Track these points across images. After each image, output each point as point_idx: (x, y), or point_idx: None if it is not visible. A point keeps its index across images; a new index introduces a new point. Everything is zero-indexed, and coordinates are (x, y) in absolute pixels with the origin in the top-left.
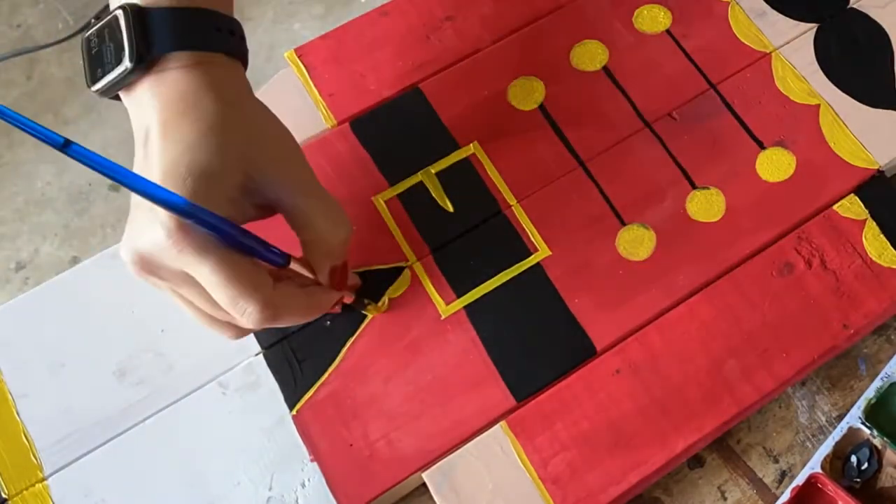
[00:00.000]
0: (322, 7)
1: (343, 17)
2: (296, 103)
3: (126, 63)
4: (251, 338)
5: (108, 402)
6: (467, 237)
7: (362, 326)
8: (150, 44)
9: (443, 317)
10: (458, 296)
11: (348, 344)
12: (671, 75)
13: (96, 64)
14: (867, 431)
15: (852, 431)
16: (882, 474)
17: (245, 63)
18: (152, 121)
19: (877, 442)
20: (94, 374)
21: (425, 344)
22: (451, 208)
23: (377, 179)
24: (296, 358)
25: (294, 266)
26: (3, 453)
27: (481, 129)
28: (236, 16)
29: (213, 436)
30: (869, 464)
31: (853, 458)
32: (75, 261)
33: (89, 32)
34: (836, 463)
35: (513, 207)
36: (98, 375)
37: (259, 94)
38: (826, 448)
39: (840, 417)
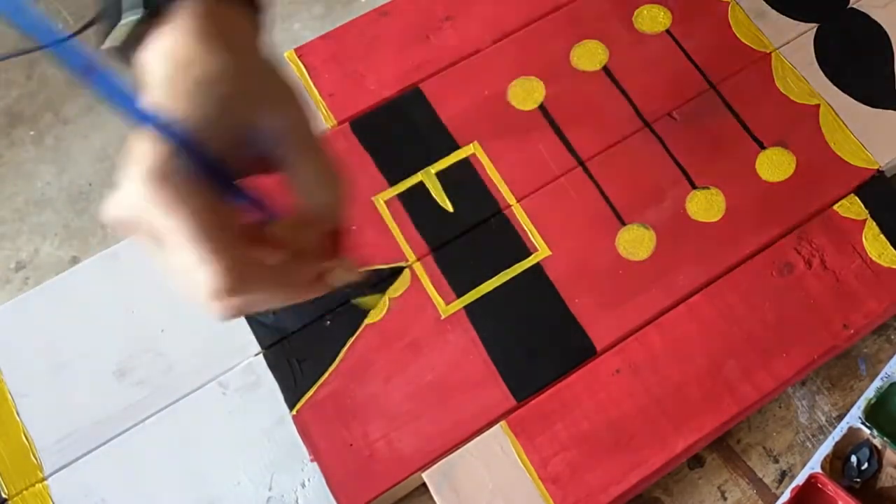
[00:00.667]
0: (322, 7)
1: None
2: None
3: (136, 11)
4: (251, 337)
5: (108, 402)
6: (467, 237)
7: (362, 326)
8: None
9: (443, 317)
10: (458, 296)
11: (348, 344)
12: (671, 75)
13: (107, 20)
14: (867, 431)
15: (852, 431)
16: (882, 474)
17: (259, 8)
18: (156, 71)
19: (877, 442)
20: (94, 374)
21: (425, 344)
22: (451, 208)
23: (377, 179)
24: (296, 358)
25: (280, 225)
26: (3, 453)
27: (481, 129)
28: None
29: (213, 436)
30: (869, 464)
31: (853, 458)
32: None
33: None
34: (836, 463)
35: (513, 207)
36: (98, 375)
37: None
38: (826, 448)
39: (840, 417)
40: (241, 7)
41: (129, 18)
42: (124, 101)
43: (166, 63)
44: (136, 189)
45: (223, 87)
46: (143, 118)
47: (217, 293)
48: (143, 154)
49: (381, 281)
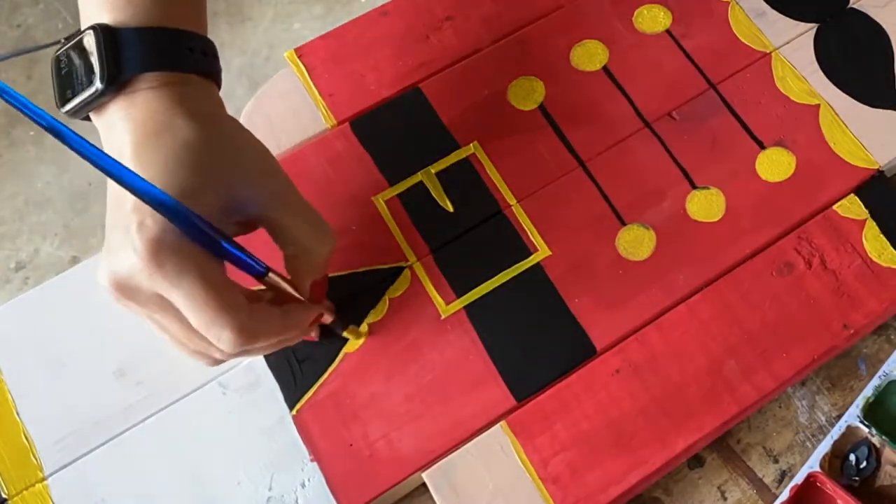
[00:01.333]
0: (322, 7)
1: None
2: (296, 103)
3: (97, 84)
4: None
5: (108, 402)
6: (467, 237)
7: (362, 325)
8: (121, 65)
9: (443, 317)
10: (458, 296)
11: (348, 344)
12: (671, 75)
13: (66, 85)
14: (866, 430)
15: (851, 430)
16: (881, 472)
17: (218, 83)
18: (124, 142)
19: (875, 440)
20: (94, 374)
21: (425, 344)
22: (451, 208)
23: (377, 179)
24: (296, 358)
25: (272, 278)
26: (3, 453)
27: (481, 129)
28: (236, 15)
29: (213, 436)
30: (867, 462)
31: (852, 457)
32: (75, 261)
33: (59, 52)
34: (835, 462)
35: (513, 207)
36: (98, 375)
37: (259, 94)
38: (825, 447)
39: (840, 417)
40: (201, 78)
41: (90, 90)
42: (117, 171)
43: (134, 136)
44: (137, 260)
45: (196, 156)
46: (137, 187)
47: (230, 349)
48: (138, 220)
49: (382, 281)
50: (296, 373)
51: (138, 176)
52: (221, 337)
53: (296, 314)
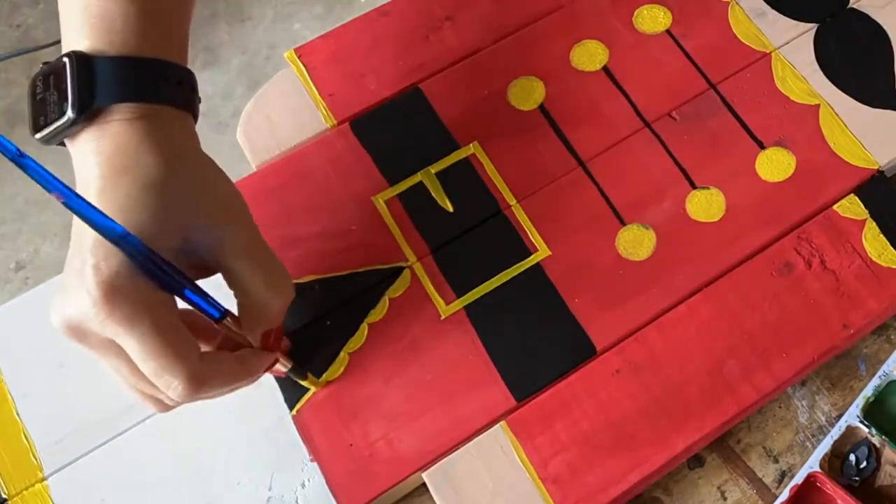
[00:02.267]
0: (322, 7)
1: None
2: (296, 103)
3: (68, 113)
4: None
5: (108, 402)
6: (467, 237)
7: (362, 326)
8: (94, 94)
9: (443, 317)
10: (458, 296)
11: (348, 344)
12: (671, 75)
13: (39, 111)
14: (865, 430)
15: (851, 430)
16: (880, 472)
17: (195, 114)
18: (91, 176)
19: (875, 440)
20: (94, 374)
21: (425, 344)
22: (451, 208)
23: (377, 179)
24: (296, 358)
25: (226, 323)
26: (3, 453)
27: (481, 129)
28: (236, 15)
29: (213, 436)
30: (867, 462)
31: (851, 457)
32: None
33: (35, 76)
34: (835, 461)
35: (512, 207)
36: (98, 375)
37: (259, 94)
38: (825, 447)
39: (840, 417)
40: (175, 110)
41: (62, 119)
42: (77, 205)
43: (101, 170)
44: (90, 303)
45: (158, 197)
46: (97, 222)
47: (181, 397)
48: (93, 262)
49: (382, 281)
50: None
51: (98, 211)
52: (171, 385)
53: (249, 361)
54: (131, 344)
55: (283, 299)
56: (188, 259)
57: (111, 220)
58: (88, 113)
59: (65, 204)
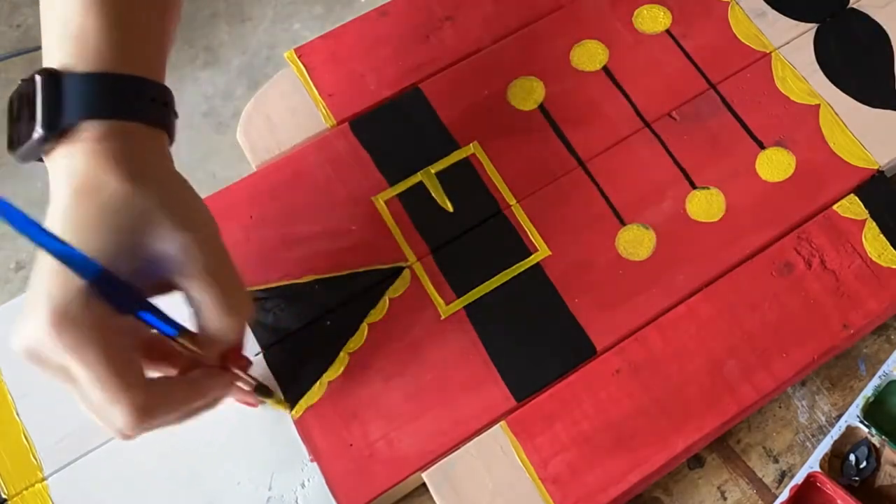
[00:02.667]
0: (322, 7)
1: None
2: (296, 103)
3: (38, 131)
4: (251, 338)
5: None
6: (467, 237)
7: (362, 326)
8: (62, 112)
9: (443, 317)
10: (458, 296)
11: (348, 344)
12: (671, 75)
13: (14, 129)
14: (865, 430)
15: (851, 430)
16: (880, 472)
17: (170, 132)
18: (59, 196)
19: (875, 440)
20: None
21: (425, 344)
22: (451, 208)
23: (377, 179)
24: (296, 358)
25: (182, 340)
26: (3, 453)
27: (481, 129)
28: (236, 15)
29: (213, 435)
30: (867, 462)
31: (851, 457)
32: None
33: (12, 94)
34: (835, 461)
35: (512, 207)
36: None
37: (259, 94)
38: (825, 447)
39: (840, 417)
40: (148, 128)
41: (34, 136)
42: (32, 232)
43: (67, 190)
44: (41, 329)
45: (118, 219)
46: (50, 247)
47: (127, 429)
48: (47, 288)
49: (382, 281)
50: (296, 373)
51: (52, 236)
52: (115, 416)
53: (200, 383)
54: (78, 371)
55: (240, 319)
56: (149, 278)
57: (66, 244)
58: (58, 131)
59: (17, 229)
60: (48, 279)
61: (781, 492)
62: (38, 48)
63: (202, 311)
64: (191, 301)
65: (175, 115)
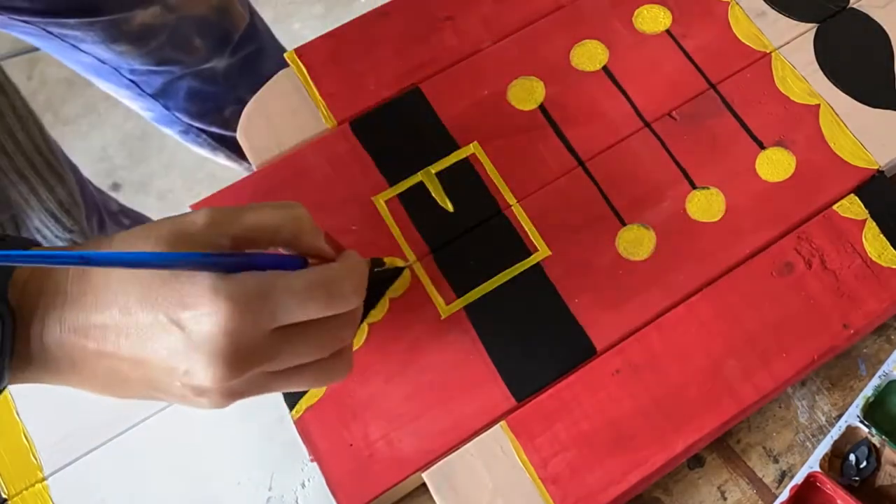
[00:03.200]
0: (322, 7)
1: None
2: (296, 103)
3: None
4: None
5: (108, 402)
6: (467, 237)
7: (362, 326)
8: None
9: (443, 317)
10: (458, 296)
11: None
12: (671, 75)
13: None
14: (865, 430)
15: (851, 430)
16: (880, 472)
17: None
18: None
19: (875, 440)
20: None
21: (425, 344)
22: (451, 208)
23: (377, 179)
24: None
25: (312, 261)
26: (3, 453)
27: (481, 129)
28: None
29: (213, 436)
30: (867, 462)
31: (852, 457)
32: None
33: None
34: (835, 461)
35: (512, 207)
36: None
37: (259, 94)
38: (825, 447)
39: (840, 417)
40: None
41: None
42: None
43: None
44: (223, 374)
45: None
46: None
47: (358, 301)
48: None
49: (382, 281)
50: None
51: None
52: (345, 295)
53: (352, 258)
54: (291, 302)
55: (294, 208)
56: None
57: (152, 254)
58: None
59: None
60: (179, 364)
61: (781, 492)
62: (38, 48)
63: (267, 223)
64: (261, 234)
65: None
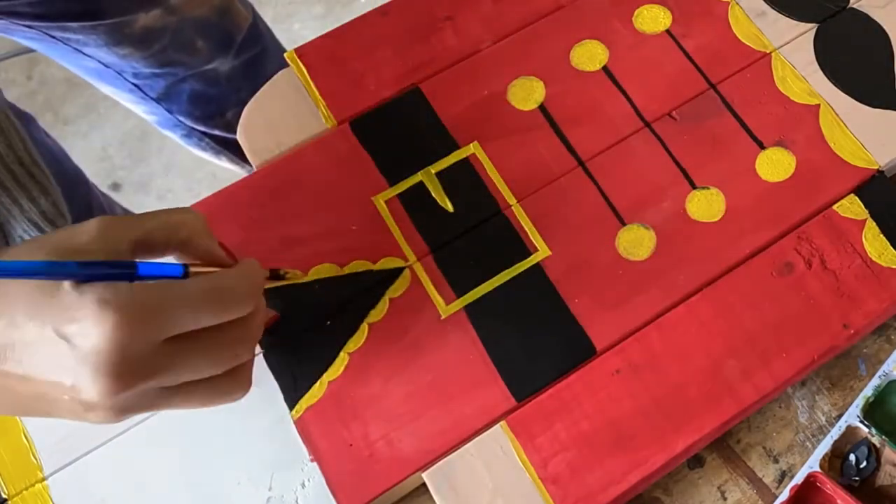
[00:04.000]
0: (322, 7)
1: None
2: (296, 103)
3: None
4: None
5: None
6: (467, 237)
7: (362, 326)
8: None
9: (443, 317)
10: (458, 296)
11: (348, 344)
12: (671, 75)
13: None
14: (865, 430)
15: (851, 430)
16: (880, 472)
17: None
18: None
19: (875, 440)
20: None
21: (425, 344)
22: (451, 208)
23: (377, 179)
24: (296, 358)
25: (195, 269)
26: (3, 453)
27: (481, 129)
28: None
29: (213, 436)
30: (867, 462)
31: (852, 457)
32: None
33: None
34: (835, 461)
35: (512, 207)
36: None
37: (259, 94)
38: (825, 447)
39: (840, 417)
40: None
41: None
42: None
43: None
44: (108, 388)
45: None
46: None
47: (255, 302)
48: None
49: (382, 281)
50: (296, 373)
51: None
52: (238, 300)
53: (246, 267)
54: (188, 307)
55: (187, 212)
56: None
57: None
58: None
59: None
60: (69, 379)
61: (781, 492)
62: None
63: (163, 221)
64: (160, 233)
65: None
